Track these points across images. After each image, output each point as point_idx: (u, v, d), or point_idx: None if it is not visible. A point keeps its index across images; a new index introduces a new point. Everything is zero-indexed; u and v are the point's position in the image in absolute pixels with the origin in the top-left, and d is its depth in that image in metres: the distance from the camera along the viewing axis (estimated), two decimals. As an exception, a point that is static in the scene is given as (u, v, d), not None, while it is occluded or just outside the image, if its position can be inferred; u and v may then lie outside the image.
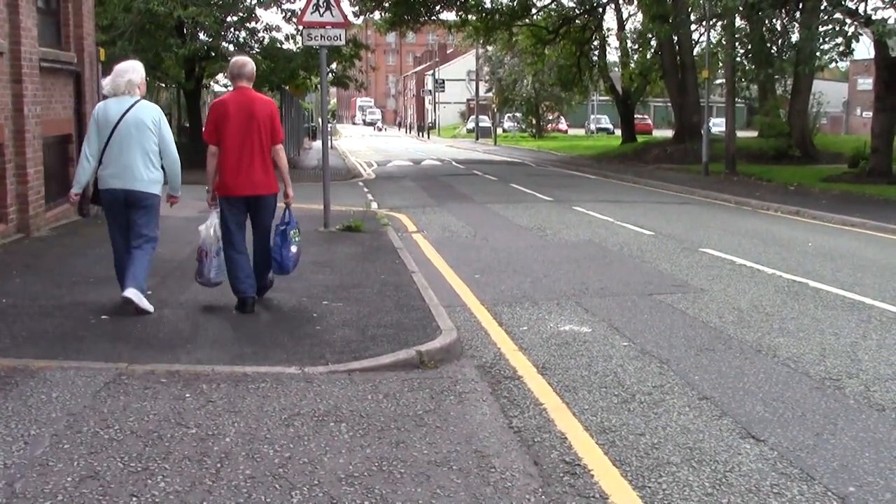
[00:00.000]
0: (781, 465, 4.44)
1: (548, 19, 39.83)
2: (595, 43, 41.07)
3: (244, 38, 26.63)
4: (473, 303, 8.19)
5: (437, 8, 36.23)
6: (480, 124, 62.36)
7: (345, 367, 5.66)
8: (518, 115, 63.41)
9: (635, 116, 46.88)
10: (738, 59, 26.48)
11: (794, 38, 25.59)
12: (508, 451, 4.47)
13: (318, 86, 22.33)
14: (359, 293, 7.92)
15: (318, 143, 39.97)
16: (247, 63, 7.22)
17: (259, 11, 26.54)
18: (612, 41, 58.84)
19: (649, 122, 62.45)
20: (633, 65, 40.52)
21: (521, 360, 6.31)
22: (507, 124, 65.98)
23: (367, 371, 5.64)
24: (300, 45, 22.93)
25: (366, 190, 20.95)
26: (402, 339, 6.33)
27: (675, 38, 32.24)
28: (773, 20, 24.51)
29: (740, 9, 22.93)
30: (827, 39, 21.86)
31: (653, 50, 37.53)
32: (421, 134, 73.26)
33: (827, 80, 54.56)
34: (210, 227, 7.17)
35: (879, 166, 21.63)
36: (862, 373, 6.04)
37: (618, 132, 50.73)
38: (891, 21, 21.82)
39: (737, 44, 26.54)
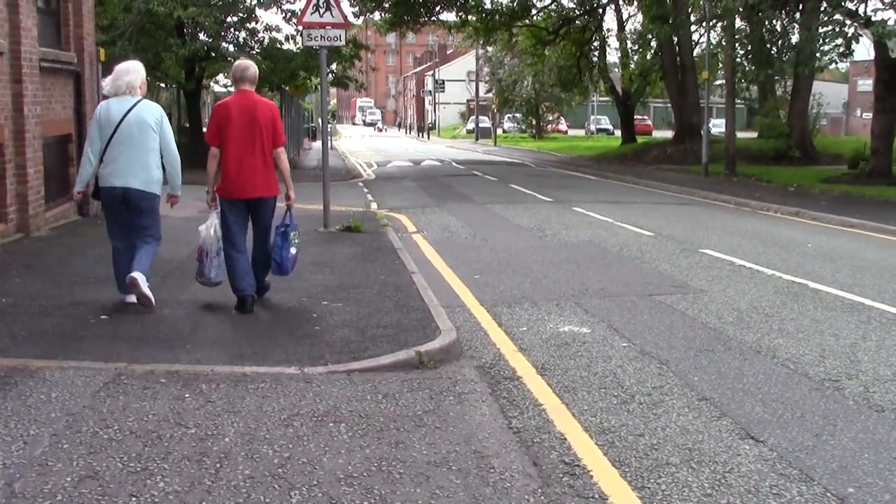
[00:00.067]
0: (781, 465, 4.44)
1: (548, 20, 39.84)
2: (595, 44, 41.07)
3: (244, 38, 26.64)
4: (473, 303, 8.19)
5: (437, 8, 36.24)
6: (480, 125, 62.36)
7: (344, 368, 5.66)
8: (518, 115, 63.43)
9: (635, 117, 46.88)
10: (738, 59, 26.48)
11: (794, 39, 25.59)
12: (508, 451, 4.47)
13: (318, 86, 22.33)
14: (358, 293, 7.92)
15: (317, 144, 39.98)
16: (249, 66, 7.29)
17: (259, 12, 26.57)
18: (612, 42, 58.99)
19: (649, 122, 62.45)
20: (632, 65, 40.51)
21: (521, 360, 6.32)
22: (506, 125, 65.99)
23: (367, 371, 5.64)
24: (300, 45, 22.92)
25: (365, 190, 20.96)
26: (401, 339, 6.33)
27: (675, 38, 32.25)
28: (773, 21, 24.51)
29: (740, 10, 22.94)
30: (827, 40, 21.87)
31: (653, 51, 37.53)
32: (421, 134, 73.27)
33: (827, 81, 54.56)
34: (210, 227, 7.20)
35: (879, 167, 21.63)
36: (861, 374, 6.05)
37: (617, 133, 50.73)
38: (891, 22, 21.85)
39: (737, 45, 26.55)
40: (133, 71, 7.02)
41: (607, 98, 49.07)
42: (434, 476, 4.09)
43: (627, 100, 42.32)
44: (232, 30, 26.59)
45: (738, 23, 26.73)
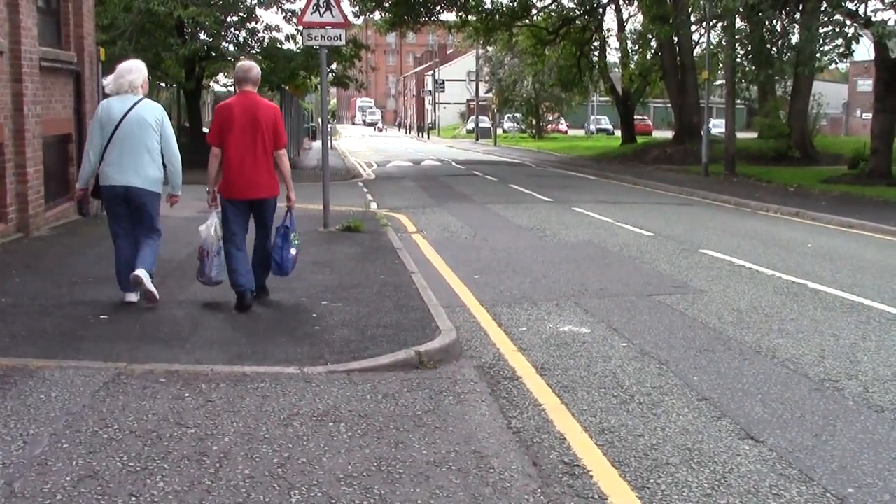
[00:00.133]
0: (780, 466, 4.44)
1: (548, 20, 39.84)
2: (595, 44, 41.07)
3: (244, 38, 26.64)
4: (473, 303, 8.19)
5: (438, 8, 36.24)
6: (480, 125, 62.35)
7: (344, 368, 5.66)
8: (518, 115, 63.43)
9: (635, 117, 46.88)
10: (738, 60, 26.48)
11: (795, 39, 25.59)
12: (507, 451, 4.47)
13: (318, 86, 22.33)
14: (358, 293, 7.92)
15: (317, 144, 39.98)
16: (252, 68, 7.35)
17: (259, 11, 26.57)
18: (613, 42, 58.99)
19: (649, 122, 62.47)
20: (633, 65, 40.51)
21: (521, 360, 6.32)
22: (506, 125, 65.98)
23: (366, 371, 5.64)
24: (300, 45, 22.92)
25: (365, 190, 20.96)
26: (401, 339, 6.33)
27: (676, 38, 32.25)
28: (774, 21, 24.50)
29: (740, 10, 22.93)
30: (827, 41, 21.87)
31: (653, 51, 37.52)
32: (421, 134, 73.26)
33: (827, 81, 54.58)
34: (211, 226, 7.24)
35: (879, 168, 21.64)
36: (861, 374, 6.05)
37: (617, 133, 50.75)
38: (891, 22, 21.86)
39: (737, 45, 26.55)
40: (135, 70, 7.08)
41: (607, 98, 49.08)
42: (434, 476, 4.09)
43: (627, 100, 42.32)
44: (232, 29, 26.60)
45: (739, 23, 26.71)
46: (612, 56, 47.33)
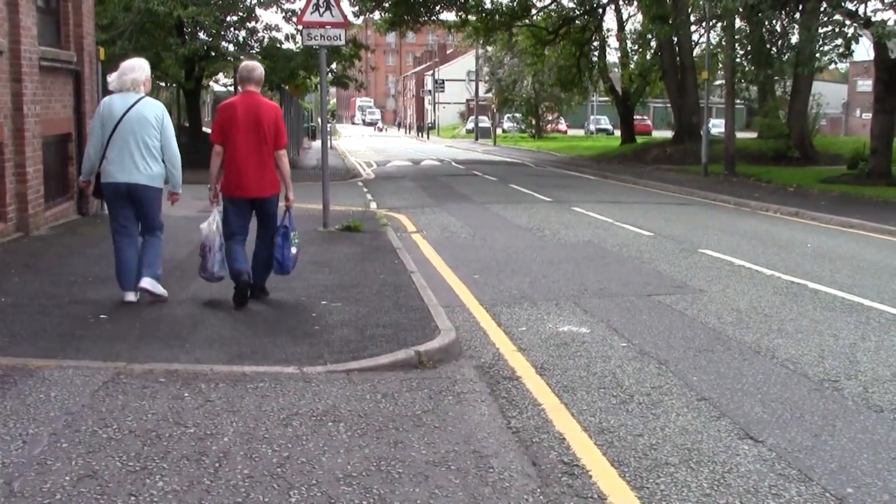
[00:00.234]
0: (780, 466, 4.44)
1: (548, 20, 39.85)
2: (595, 44, 41.08)
3: (244, 37, 26.61)
4: (472, 303, 8.19)
5: (437, 8, 36.24)
6: (480, 125, 62.36)
7: (343, 367, 5.66)
8: (518, 115, 63.43)
9: (635, 117, 46.89)
10: (738, 60, 26.50)
11: (794, 39, 25.61)
12: (507, 451, 4.47)
13: (318, 86, 22.31)
14: (358, 293, 7.92)
15: (317, 143, 39.98)
16: (256, 68, 7.42)
17: (259, 11, 26.55)
18: (612, 42, 58.96)
19: (649, 122, 62.49)
20: (632, 65, 40.53)
21: (520, 360, 6.32)
22: (506, 125, 65.98)
23: (366, 371, 5.64)
24: (300, 44, 22.90)
25: (365, 190, 20.96)
26: (400, 339, 6.33)
27: (675, 38, 32.25)
28: (773, 21, 24.52)
29: (740, 10, 22.94)
30: (827, 41, 21.88)
31: (652, 51, 37.54)
32: (420, 134, 73.25)
33: (826, 81, 54.61)
34: (212, 222, 7.32)
35: (879, 168, 21.65)
36: (860, 374, 6.05)
37: (617, 133, 50.76)
38: (890, 23, 21.84)
39: (736, 45, 26.56)
40: (138, 68, 7.16)
41: (607, 98, 49.08)
42: (433, 476, 4.09)
43: (627, 100, 42.32)
44: (232, 29, 26.58)
45: (738, 23, 26.73)
46: (612, 56, 47.41)
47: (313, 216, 12.92)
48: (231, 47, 26.04)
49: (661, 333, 7.10)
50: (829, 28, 21.76)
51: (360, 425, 4.68)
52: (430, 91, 77.83)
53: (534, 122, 60.99)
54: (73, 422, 4.54)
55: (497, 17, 36.84)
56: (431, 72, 79.88)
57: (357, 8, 33.56)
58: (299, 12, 13.61)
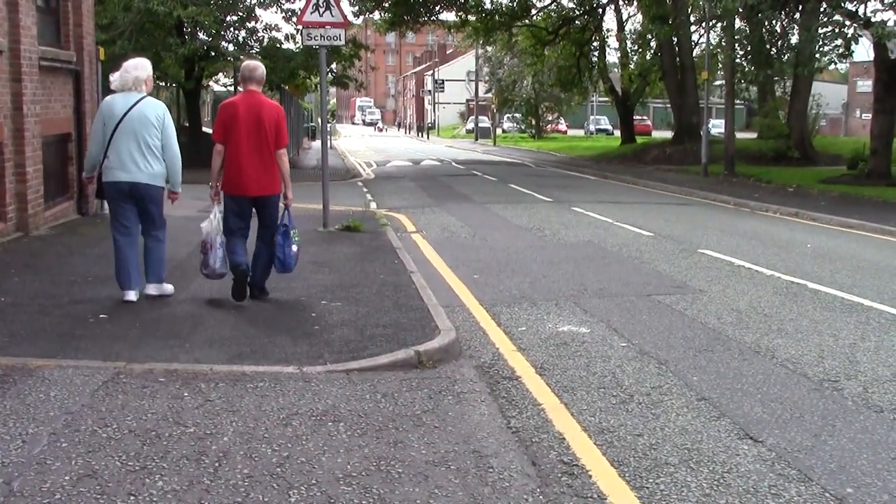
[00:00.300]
0: (779, 466, 4.44)
1: (547, 20, 39.86)
2: (595, 44, 41.08)
3: (244, 37, 26.61)
4: (472, 303, 8.19)
5: (437, 8, 36.25)
6: (480, 125, 62.36)
7: (343, 367, 5.66)
8: (517, 115, 63.43)
9: (634, 117, 46.89)
10: (738, 60, 26.50)
11: (794, 39, 25.61)
12: (506, 451, 4.47)
13: (318, 86, 22.30)
14: (357, 293, 7.92)
15: (317, 143, 39.98)
16: (258, 67, 7.48)
17: (259, 11, 26.56)
18: (612, 42, 59.00)
19: (648, 123, 62.50)
20: (632, 66, 40.52)
21: (520, 360, 6.32)
22: (506, 125, 65.98)
23: (366, 371, 5.64)
24: (300, 44, 22.90)
25: (365, 190, 20.95)
26: (400, 338, 6.33)
27: (675, 39, 32.26)
28: (773, 22, 24.51)
29: (740, 10, 22.94)
30: (826, 41, 21.89)
31: (652, 51, 37.54)
32: (420, 134, 73.27)
33: (826, 81, 54.63)
34: (213, 219, 7.38)
35: (878, 168, 21.65)
36: (860, 374, 6.05)
37: (617, 133, 50.76)
38: (890, 23, 21.82)
39: (736, 45, 26.56)
40: (141, 67, 7.22)
41: (607, 98, 49.08)
42: (433, 475, 4.09)
43: (627, 100, 42.32)
44: (231, 29, 26.58)
45: (738, 23, 26.74)
46: (612, 56, 47.40)
47: (313, 216, 12.92)
48: (231, 47, 26.03)
49: (661, 333, 7.10)
50: (829, 28, 21.76)
51: (359, 425, 4.68)
52: (429, 91, 77.83)
53: (534, 122, 61.00)
54: (73, 421, 4.54)
55: (497, 17, 36.85)
56: (431, 72, 79.88)
57: (357, 8, 33.56)
58: (299, 12, 13.60)
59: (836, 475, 4.34)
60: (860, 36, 21.41)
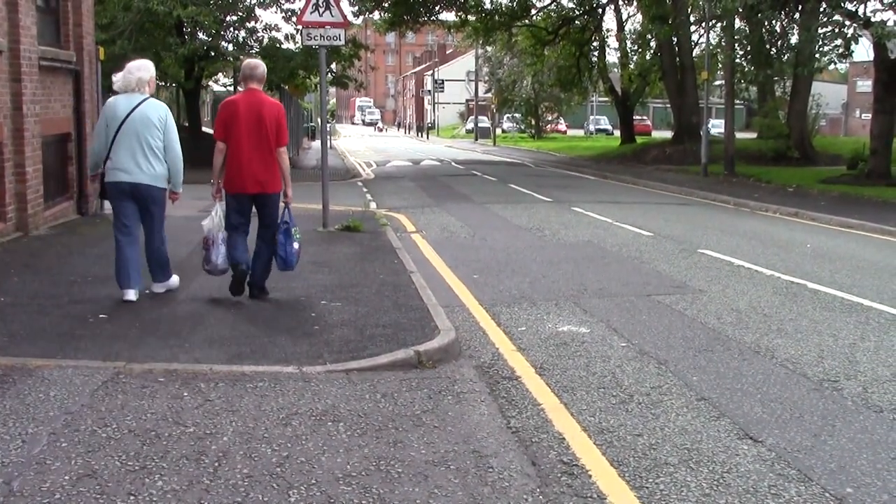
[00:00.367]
0: (779, 465, 4.44)
1: (547, 20, 39.86)
2: (594, 44, 41.07)
3: (243, 37, 26.61)
4: (472, 303, 8.19)
5: (437, 8, 36.24)
6: (480, 125, 62.36)
7: (343, 367, 5.66)
8: (517, 115, 63.43)
9: (634, 117, 46.89)
10: (738, 60, 26.50)
11: (794, 39, 25.61)
12: (506, 450, 4.47)
13: (318, 86, 22.30)
14: (357, 293, 7.92)
15: (317, 143, 39.97)
16: (259, 65, 7.53)
17: (258, 11, 26.55)
18: (612, 42, 58.95)
19: (648, 123, 62.50)
20: (632, 66, 40.51)
21: (520, 360, 6.32)
22: (506, 125, 65.98)
23: (365, 371, 5.64)
24: (299, 44, 22.91)
25: (365, 190, 20.95)
26: (400, 338, 6.33)
27: (675, 39, 32.26)
28: (773, 22, 24.52)
29: (740, 10, 22.95)
30: (826, 41, 21.89)
31: (652, 51, 37.54)
32: (420, 134, 73.26)
33: (826, 81, 54.63)
34: (215, 216, 7.44)
35: (878, 168, 21.65)
36: (860, 374, 6.05)
37: (617, 133, 50.76)
38: (890, 23, 21.83)
39: (736, 45, 26.56)
40: (144, 69, 7.31)
41: (606, 98, 49.09)
42: (432, 475, 4.08)
43: (627, 100, 42.32)
44: (231, 29, 26.57)
45: (738, 23, 26.74)
46: (612, 56, 47.40)
47: (313, 216, 12.92)
48: (231, 47, 26.02)
49: (661, 333, 7.10)
50: (829, 28, 21.76)
51: (359, 425, 4.68)
52: (429, 91, 77.84)
53: (533, 122, 61.00)
54: (73, 421, 4.54)
55: (497, 17, 36.85)
56: (431, 72, 79.88)
57: (357, 8, 33.55)
58: (299, 12, 13.60)
59: (836, 475, 4.34)
60: (860, 36, 21.41)
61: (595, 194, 20.27)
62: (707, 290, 8.88)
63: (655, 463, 4.46)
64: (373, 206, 16.61)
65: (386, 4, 34.11)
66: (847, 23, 21.35)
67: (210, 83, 33.95)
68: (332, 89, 56.57)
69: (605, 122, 65.72)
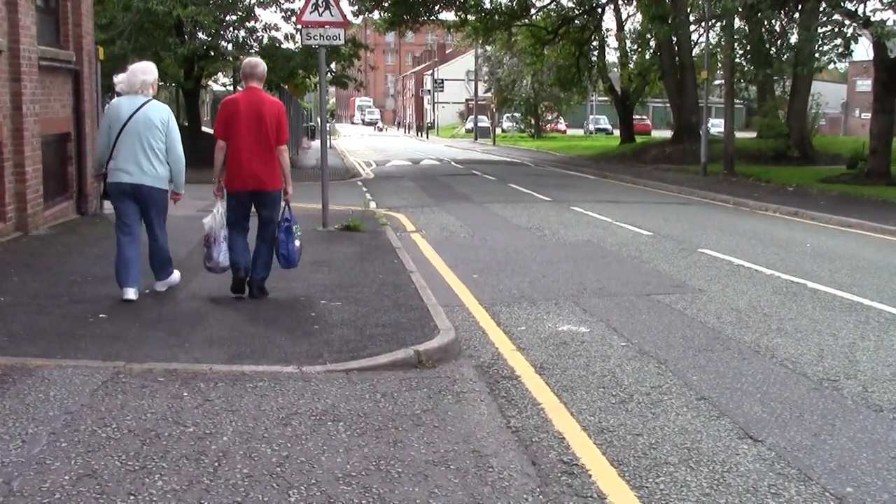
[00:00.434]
0: (779, 465, 4.44)
1: (547, 19, 39.85)
2: (594, 43, 41.08)
3: (243, 37, 26.58)
4: (471, 302, 8.19)
5: (437, 8, 36.23)
6: (479, 124, 62.36)
7: (343, 367, 5.66)
8: (517, 115, 63.44)
9: (634, 117, 46.89)
10: (737, 59, 26.50)
11: (794, 39, 25.65)
12: (506, 450, 4.47)
13: (317, 85, 22.30)
14: (357, 293, 7.92)
15: (316, 143, 39.96)
16: (259, 64, 7.57)
17: (258, 11, 26.52)
18: (612, 42, 58.99)
19: (648, 122, 62.50)
20: (631, 65, 40.53)
21: (519, 359, 6.32)
22: (505, 124, 65.98)
23: (365, 370, 5.64)
24: (299, 44, 22.91)
25: (364, 189, 20.95)
26: (400, 338, 6.33)
27: (674, 38, 32.26)
28: (773, 21, 24.55)
29: (739, 9, 22.96)
30: (826, 40, 21.90)
31: (652, 50, 37.54)
32: (420, 134, 73.25)
33: (826, 81, 54.63)
34: (217, 214, 7.47)
35: (878, 167, 21.66)
36: (860, 373, 6.05)
37: (616, 132, 50.76)
38: (890, 22, 21.86)
39: (736, 44, 26.57)
40: (148, 71, 7.37)
41: (606, 98, 49.10)
42: (432, 475, 4.08)
43: (626, 99, 42.33)
44: (231, 29, 26.54)
45: (738, 23, 26.74)
46: (611, 56, 47.41)
47: (313, 216, 12.91)
48: (230, 47, 26.00)
49: (661, 333, 7.10)
50: (829, 28, 21.77)
51: (359, 425, 4.68)
52: (429, 91, 77.82)
53: (533, 121, 61.00)
54: (73, 421, 4.54)
55: (496, 16, 36.84)
56: (431, 71, 79.87)
57: (356, 7, 33.53)
58: (298, 12, 13.60)
59: (836, 474, 4.34)
60: (859, 35, 21.42)
61: (595, 194, 20.27)
62: (707, 289, 8.88)
63: (655, 462, 4.46)
64: (372, 205, 16.61)
65: (385, 4, 34.10)
66: (847, 22, 21.36)
67: (210, 83, 33.92)
68: (332, 89, 56.57)
69: (604, 122, 65.71)
